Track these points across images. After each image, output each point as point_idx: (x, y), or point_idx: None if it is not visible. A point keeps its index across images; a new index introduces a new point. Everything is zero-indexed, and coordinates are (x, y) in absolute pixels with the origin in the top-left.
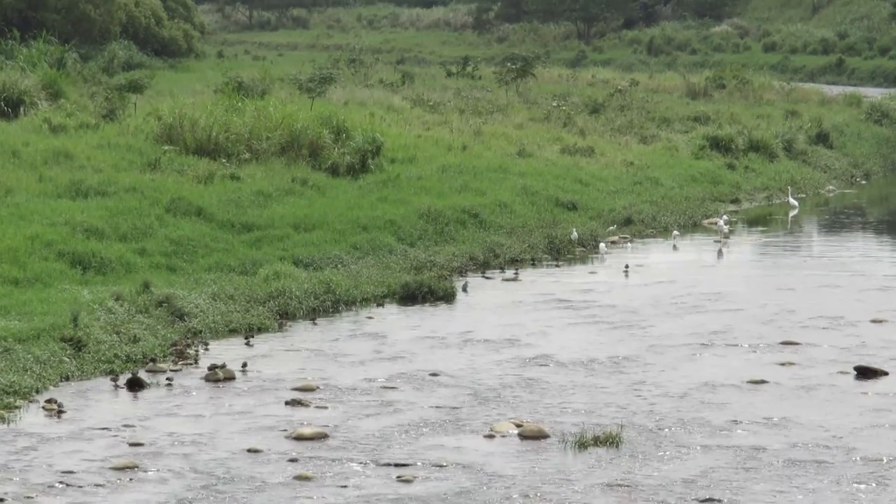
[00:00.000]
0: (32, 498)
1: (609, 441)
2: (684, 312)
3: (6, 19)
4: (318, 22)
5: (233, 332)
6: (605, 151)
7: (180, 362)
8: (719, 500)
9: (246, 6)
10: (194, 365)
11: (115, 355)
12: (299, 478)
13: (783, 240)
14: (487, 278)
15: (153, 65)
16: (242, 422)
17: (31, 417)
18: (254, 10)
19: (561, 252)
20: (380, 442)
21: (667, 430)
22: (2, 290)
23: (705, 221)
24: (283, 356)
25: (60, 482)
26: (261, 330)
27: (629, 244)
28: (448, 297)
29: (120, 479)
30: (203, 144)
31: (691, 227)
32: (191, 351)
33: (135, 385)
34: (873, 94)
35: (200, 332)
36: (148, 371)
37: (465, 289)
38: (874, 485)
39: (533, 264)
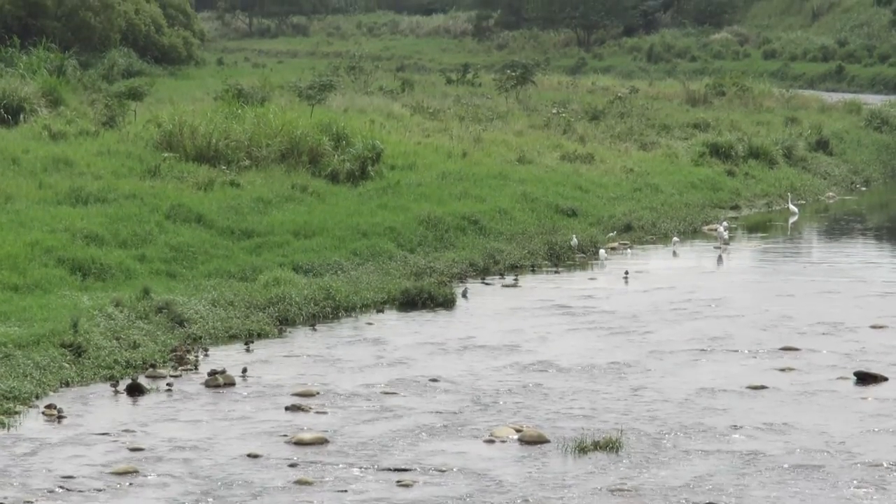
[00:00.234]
0: (32, 502)
1: (609, 446)
2: (684, 318)
3: (6, 26)
4: (318, 29)
5: (233, 337)
6: (604, 158)
7: (180, 368)
8: None
9: (246, 14)
10: (194, 371)
11: (115, 361)
12: (299, 483)
13: (783, 246)
14: (487, 284)
15: (153, 72)
16: (242, 427)
17: (31, 423)
18: (254, 17)
19: (561, 258)
20: (379, 447)
21: (667, 435)
22: (2, 296)
23: (705, 228)
24: (282, 362)
25: (60, 487)
26: (261, 336)
27: (629, 250)
28: (448, 304)
29: (120, 484)
30: (203, 151)
31: (691, 233)
32: (191, 357)
33: (135, 391)
34: (873, 101)
35: (200, 337)
36: (148, 377)
37: (464, 295)
38: (874, 490)
39: (533, 271)
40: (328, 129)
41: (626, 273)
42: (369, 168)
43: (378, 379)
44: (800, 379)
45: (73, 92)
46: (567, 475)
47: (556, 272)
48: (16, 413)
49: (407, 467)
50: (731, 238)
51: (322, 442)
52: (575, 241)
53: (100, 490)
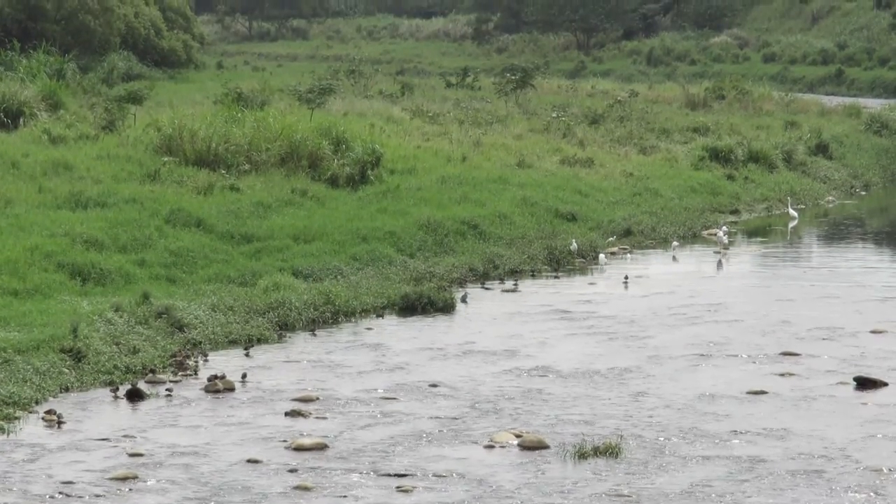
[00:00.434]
0: None
1: (609, 451)
2: (684, 323)
3: (6, 30)
4: (318, 33)
5: (232, 343)
6: (604, 162)
7: (180, 373)
8: None
9: (245, 17)
10: (194, 376)
11: (115, 366)
12: (299, 488)
13: (783, 251)
14: (487, 289)
15: (153, 76)
16: (242, 432)
17: (31, 428)
18: (253, 20)
19: (560, 263)
20: (379, 452)
21: (666, 440)
22: (1, 301)
23: (705, 232)
24: (282, 367)
25: (60, 493)
26: (260, 341)
27: (629, 255)
28: (447, 308)
29: (119, 490)
30: (202, 155)
31: (691, 237)
32: (190, 362)
33: (134, 396)
34: (873, 104)
35: (200, 343)
36: (147, 382)
37: (464, 300)
38: (873, 495)
39: (532, 275)
40: (328, 134)
41: (626, 278)
42: (369, 172)
43: (378, 384)
44: (799, 384)
45: (73, 96)
46: (567, 481)
47: (555, 277)
48: (16, 418)
49: (406, 473)
50: (730, 242)
51: (322, 447)
52: (574, 245)
53: (99, 496)
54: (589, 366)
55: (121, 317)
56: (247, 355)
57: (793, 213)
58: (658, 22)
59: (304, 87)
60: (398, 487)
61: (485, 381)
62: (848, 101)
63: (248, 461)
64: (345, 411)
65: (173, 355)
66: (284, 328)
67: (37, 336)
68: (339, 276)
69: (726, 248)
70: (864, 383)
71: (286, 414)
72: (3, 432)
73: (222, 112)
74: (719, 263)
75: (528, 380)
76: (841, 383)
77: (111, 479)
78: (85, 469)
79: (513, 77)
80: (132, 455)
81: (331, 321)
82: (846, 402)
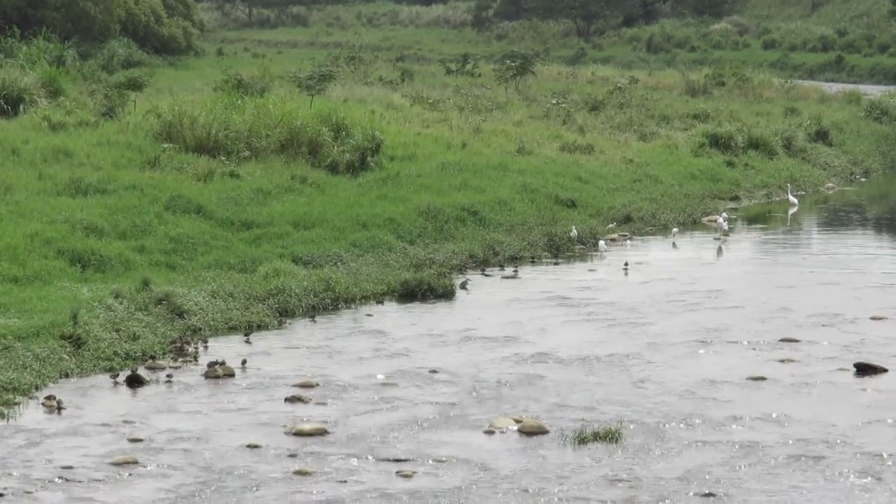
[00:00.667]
0: (32, 493)
1: (608, 437)
2: (683, 310)
3: (6, 17)
4: (318, 19)
5: (232, 329)
6: (604, 149)
7: (180, 359)
8: (718, 495)
9: (245, 4)
10: (194, 362)
11: (115, 353)
12: (299, 473)
13: (783, 237)
14: (487, 276)
15: (153, 62)
16: (242, 418)
17: (31, 414)
18: (253, 7)
19: (560, 250)
20: (379, 438)
21: (666, 426)
22: (1, 287)
23: (705, 219)
24: (282, 353)
25: (60, 478)
26: (260, 327)
27: (629, 242)
28: (447, 295)
29: (119, 475)
30: (202, 142)
31: (691, 224)
32: (190, 348)
33: (134, 382)
34: (873, 91)
35: (200, 329)
36: (147, 368)
37: (464, 286)
38: (872, 481)
39: (532, 262)
40: (328, 120)
41: (626, 264)
42: (369, 159)
43: (377, 370)
44: (799, 370)
45: (73, 82)
46: (566, 466)
47: (555, 263)
48: (16, 404)
49: (406, 458)
50: (730, 229)
51: (322, 433)
52: (574, 232)
53: (99, 481)
54: (589, 352)
55: (121, 303)
56: (247, 342)
57: (793, 199)
58: (658, 9)
59: (304, 73)
60: (398, 472)
61: (485, 367)
62: (848, 87)
63: (248, 446)
64: (345, 397)
65: (173, 341)
66: (284, 314)
67: (37, 322)
68: (338, 263)
69: (726, 234)
70: (864, 369)
71: (286, 400)
72: (4, 418)
73: (222, 99)
74: (719, 250)
75: (528, 366)
76: (841, 369)
77: (111, 464)
78: (85, 454)
79: (513, 64)
80: (132, 440)
81: (331, 308)
82: (846, 389)
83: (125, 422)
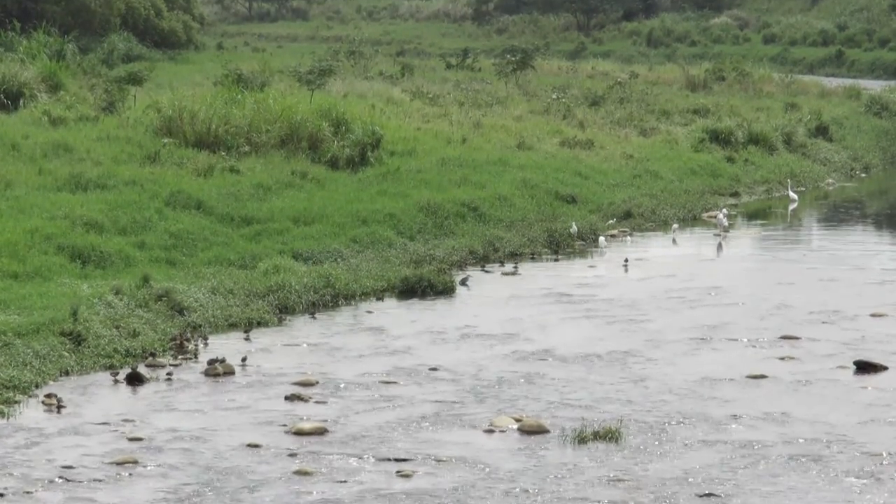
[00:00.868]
0: (32, 493)
1: (608, 436)
2: (684, 307)
3: (6, 10)
4: (318, 13)
5: (232, 326)
6: (604, 144)
7: (180, 357)
8: (718, 495)
9: None
10: (194, 359)
11: (115, 350)
12: (299, 472)
13: (783, 233)
14: (487, 272)
15: (153, 56)
16: (242, 416)
17: (31, 412)
18: (253, 1)
19: (560, 246)
20: (379, 437)
21: (666, 424)
22: (1, 284)
23: (705, 215)
24: (282, 351)
25: (60, 477)
26: (260, 324)
27: (629, 238)
28: (447, 292)
29: (119, 474)
30: (202, 137)
31: (691, 220)
32: (190, 345)
33: (134, 380)
34: (873, 86)
35: (200, 326)
36: (147, 366)
37: (465, 283)
38: (872, 480)
39: (532, 258)
40: (328, 115)
41: (626, 261)
42: (369, 154)
43: (378, 368)
44: (799, 368)
45: (73, 77)
46: (567, 465)
47: (555, 260)
48: (15, 402)
49: (406, 457)
50: (730, 225)
51: (321, 432)
52: (574, 228)
53: (99, 480)
54: (589, 349)
55: (121, 300)
56: (247, 339)
57: (793, 195)
58: (658, 2)
59: (304, 68)
60: (398, 472)
61: (485, 364)
62: (848, 82)
63: (248, 445)
64: (345, 395)
65: (173, 338)
66: (284, 311)
67: (37, 319)
68: (338, 259)
69: (726, 230)
70: (864, 367)
71: (286, 398)
72: (3, 416)
73: (222, 93)
74: (719, 246)
75: (528, 363)
76: (841, 367)
77: (111, 463)
78: (85, 453)
79: (513, 58)
80: (132, 439)
81: (331, 304)
82: (846, 386)
83: (125, 420)
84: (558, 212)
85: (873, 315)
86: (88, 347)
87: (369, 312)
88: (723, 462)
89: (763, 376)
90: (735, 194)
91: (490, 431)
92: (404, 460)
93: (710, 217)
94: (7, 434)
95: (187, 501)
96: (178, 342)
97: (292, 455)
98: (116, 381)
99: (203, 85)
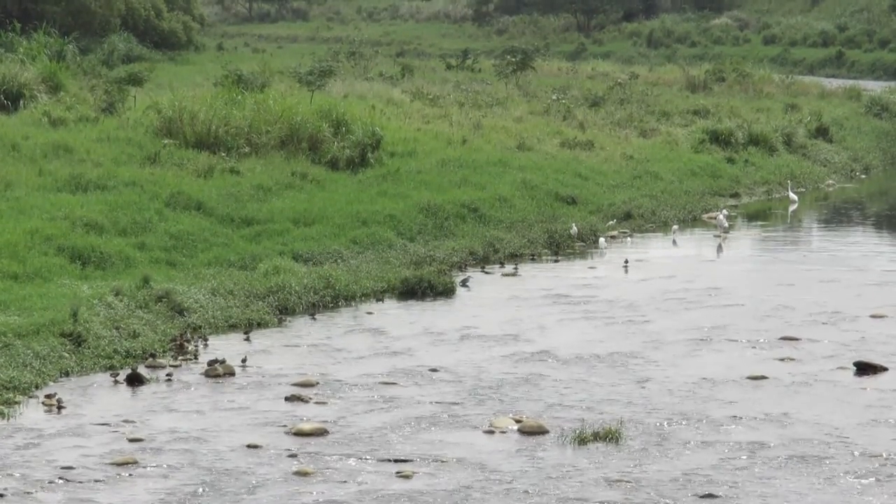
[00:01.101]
0: (32, 493)
1: (608, 436)
2: (684, 308)
3: (6, 11)
4: (318, 14)
5: (232, 327)
6: (604, 145)
7: (180, 358)
8: (718, 496)
9: None
10: (194, 360)
11: (115, 350)
12: (299, 473)
13: (783, 234)
14: (487, 273)
15: (153, 57)
16: (242, 417)
17: (31, 413)
18: (253, 2)
19: (560, 247)
20: (379, 438)
21: (666, 425)
22: (1, 285)
23: (705, 216)
24: (282, 351)
25: (60, 478)
26: (260, 325)
27: (629, 239)
28: (447, 293)
29: (120, 475)
30: (203, 138)
31: (691, 221)
32: (190, 346)
33: (134, 380)
34: (873, 87)
35: (200, 327)
36: (147, 366)
37: (465, 284)
38: (873, 481)
39: (532, 259)
40: (328, 116)
41: (626, 262)
42: (369, 155)
43: (378, 369)
44: (799, 369)
45: (73, 77)
46: (566, 466)
47: (555, 261)
48: (16, 403)
49: (406, 458)
50: (730, 226)
51: (321, 432)
52: (574, 229)
53: (99, 481)
54: (589, 350)
55: (121, 301)
56: (247, 339)
57: (793, 196)
58: (658, 3)
59: (305, 69)
60: (398, 473)
61: (485, 365)
62: (848, 83)
63: (248, 446)
64: (345, 396)
65: (173, 339)
66: (284, 312)
67: (37, 320)
68: (339, 260)
69: (726, 231)
70: (864, 368)
71: (286, 399)
72: (3, 417)
73: (222, 94)
74: (719, 247)
75: (528, 364)
76: (841, 368)
77: (111, 464)
78: (85, 454)
79: (513, 59)
80: (132, 440)
81: (331, 305)
82: (846, 388)
83: (125, 421)
84: (558, 213)
85: (873, 316)
86: (88, 348)
87: (369, 313)
88: (723, 463)
89: (763, 377)
90: (735, 195)
91: (490, 432)
92: (404, 461)
93: (711, 218)
94: (7, 435)
95: (187, 502)
96: (178, 343)
97: (292, 456)
98: (116, 382)
99: (203, 86)
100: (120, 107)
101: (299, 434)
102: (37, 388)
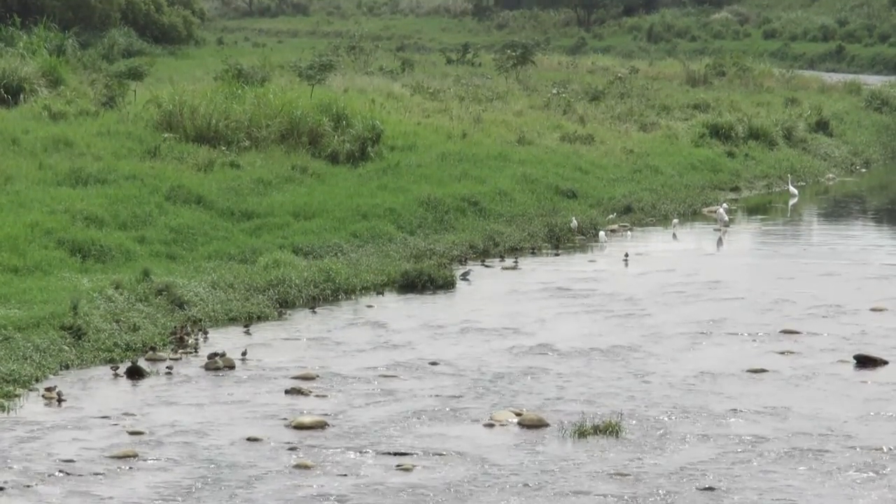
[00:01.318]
0: (32, 486)
1: (608, 430)
2: (684, 301)
3: (6, 5)
4: (318, 8)
5: (232, 320)
6: (604, 139)
7: (180, 351)
8: (718, 489)
9: None
10: (194, 353)
11: (115, 344)
12: (299, 466)
13: (783, 228)
14: (487, 267)
15: (153, 52)
16: (242, 410)
17: (31, 406)
18: None
19: (561, 240)
20: (379, 431)
21: (666, 419)
22: (2, 278)
23: (705, 210)
24: (282, 345)
25: (60, 471)
26: (260, 318)
27: (629, 232)
28: (448, 286)
29: (120, 468)
30: (203, 132)
31: (691, 215)
32: (190, 339)
33: (134, 373)
34: (873, 81)
35: (200, 320)
36: (148, 359)
37: (465, 277)
38: (872, 474)
39: (533, 253)
40: (328, 110)
41: (626, 255)
42: (369, 149)
43: (378, 362)
44: (800, 362)
45: (73, 72)
46: (567, 459)
47: (555, 254)
48: (16, 396)
49: (407, 451)
50: (730, 220)
51: (322, 426)
52: (575, 223)
53: (100, 474)
54: (589, 344)
55: (121, 294)
56: (247, 333)
57: (793, 190)
58: None
59: (305, 63)
60: (398, 466)
61: (485, 359)
62: (848, 77)
63: (248, 439)
64: (345, 389)
65: (173, 333)
66: (285, 305)
67: (37, 313)
68: (339, 254)
69: (727, 225)
70: (865, 361)
71: (286, 392)
72: (4, 410)
73: (223, 88)
74: (719, 241)
75: (529, 358)
76: (841, 361)
77: (111, 457)
78: (85, 447)
79: (513, 53)
80: (132, 433)
81: (331, 298)
82: (846, 381)
83: (125, 414)
84: (558, 206)
85: (873, 309)
86: (89, 341)
87: (369, 307)
88: (723, 456)
89: (763, 370)
90: (735, 189)
91: (490, 426)
92: (404, 454)
93: (711, 212)
94: (7, 428)
95: (187, 495)
96: (178, 336)
97: (292, 449)
98: (117, 375)
99: (203, 80)
100: (120, 101)
101: (299, 427)
102: (37, 381)
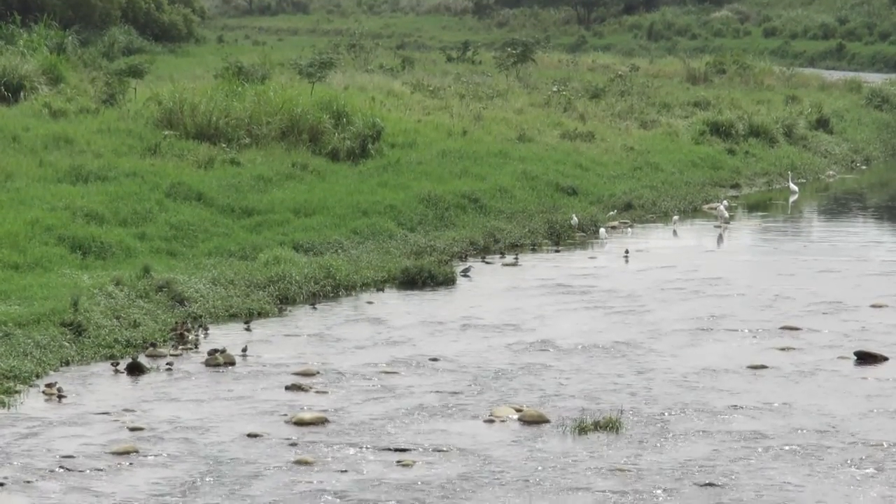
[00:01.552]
0: (32, 482)
1: (609, 426)
2: (684, 298)
3: (7, 3)
4: (318, 7)
5: (233, 316)
6: (605, 136)
7: (180, 347)
8: (719, 485)
9: None
10: (194, 350)
11: (116, 340)
12: (299, 462)
13: (783, 225)
14: (488, 263)
15: (153, 49)
16: (242, 406)
17: (32, 402)
18: None
19: (561, 237)
20: (380, 427)
21: (666, 415)
22: (2, 274)
23: (705, 206)
24: (283, 341)
25: (60, 467)
26: (261, 315)
27: (629, 229)
28: (448, 283)
29: (120, 464)
30: (203, 129)
31: (691, 212)
32: (191, 336)
33: (135, 370)
34: (873, 79)
35: (200, 316)
36: (148, 356)
37: (466, 274)
38: (873, 470)
39: (533, 249)
40: (328, 107)
41: (627, 252)
42: (369, 146)
43: (378, 358)
44: (800, 359)
45: (74, 69)
46: (567, 455)
47: (556, 251)
48: (16, 392)
49: (407, 447)
50: (731, 217)
51: (322, 422)
52: (575, 219)
53: (100, 470)
54: (589, 340)
55: (121, 290)
56: (247, 329)
57: (793, 187)
58: None
59: (305, 60)
60: (398, 462)
61: (485, 355)
62: (849, 75)
63: (249, 435)
64: (345, 385)
65: (174, 329)
66: (285, 302)
67: (37, 310)
68: (339, 250)
69: (727, 222)
70: (865, 358)
71: (286, 388)
72: (4, 406)
73: (223, 86)
74: (720, 238)
75: (529, 354)
76: (841, 358)
77: (111, 453)
78: (85, 443)
79: (513, 51)
80: (132, 429)
81: (331, 295)
82: (846, 377)
83: (125, 410)
84: (559, 203)
85: (874, 306)
86: (89, 338)
87: (370, 303)
88: (722, 452)
89: (763, 367)
90: (736, 186)
91: (490, 422)
92: (405, 450)
93: (711, 209)
94: (7, 424)
95: (187, 491)
96: (178, 333)
97: (292, 445)
98: (117, 371)
99: (203, 78)
100: (120, 98)
101: (299, 423)
102: (37, 377)
